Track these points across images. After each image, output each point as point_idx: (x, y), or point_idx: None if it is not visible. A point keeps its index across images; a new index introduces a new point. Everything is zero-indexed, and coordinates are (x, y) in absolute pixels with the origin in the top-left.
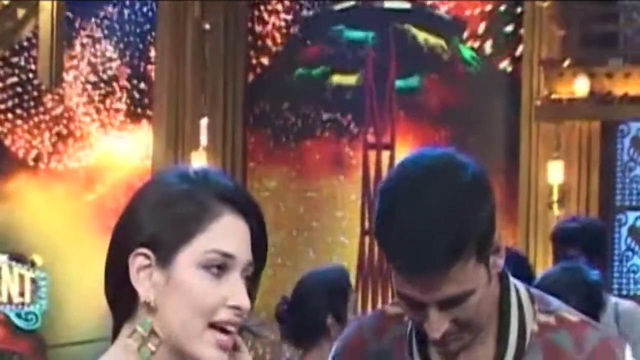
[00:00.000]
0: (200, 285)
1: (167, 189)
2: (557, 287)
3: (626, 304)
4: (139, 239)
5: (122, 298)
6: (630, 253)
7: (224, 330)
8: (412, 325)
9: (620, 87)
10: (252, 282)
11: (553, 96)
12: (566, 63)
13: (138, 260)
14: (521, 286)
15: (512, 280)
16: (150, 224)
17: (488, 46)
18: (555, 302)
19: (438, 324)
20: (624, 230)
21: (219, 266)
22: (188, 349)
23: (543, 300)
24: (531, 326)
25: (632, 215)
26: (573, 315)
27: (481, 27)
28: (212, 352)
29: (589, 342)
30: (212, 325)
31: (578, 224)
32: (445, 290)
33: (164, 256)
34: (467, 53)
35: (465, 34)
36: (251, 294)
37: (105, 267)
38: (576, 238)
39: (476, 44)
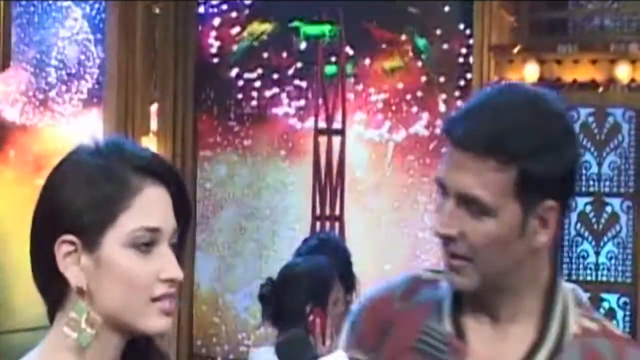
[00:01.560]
0: (131, 264)
1: (83, 168)
2: None
3: (568, 287)
4: (61, 225)
5: (52, 285)
6: (579, 239)
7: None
8: (446, 292)
9: (570, 74)
10: (178, 248)
11: (503, 82)
12: (516, 49)
13: (63, 248)
14: (570, 288)
15: (564, 280)
16: (71, 208)
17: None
18: (599, 314)
19: (446, 217)
20: (574, 216)
21: (147, 242)
22: (133, 325)
23: (589, 309)
24: (573, 326)
25: (581, 201)
26: (617, 330)
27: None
28: (159, 321)
29: (629, 356)
30: (153, 300)
31: None
32: (468, 180)
33: (90, 240)
34: (419, 41)
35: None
36: (180, 260)
37: (31, 256)
38: None
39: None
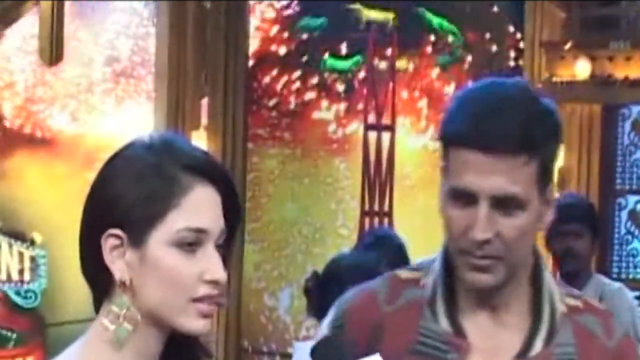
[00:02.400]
0: (175, 264)
1: (133, 164)
2: None
3: (615, 286)
4: (109, 219)
5: (99, 277)
6: (630, 237)
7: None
8: (433, 289)
9: (622, 70)
10: (225, 249)
11: (554, 79)
12: (567, 46)
13: (110, 241)
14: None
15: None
16: (119, 203)
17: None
18: (576, 290)
19: (486, 222)
20: (624, 214)
21: (192, 242)
22: (172, 323)
23: (566, 287)
24: (560, 306)
25: (632, 199)
26: (596, 303)
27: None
28: (198, 322)
29: (616, 331)
30: (194, 300)
31: (574, 200)
32: (500, 180)
33: (136, 236)
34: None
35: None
36: (225, 261)
37: (80, 247)
38: (577, 213)
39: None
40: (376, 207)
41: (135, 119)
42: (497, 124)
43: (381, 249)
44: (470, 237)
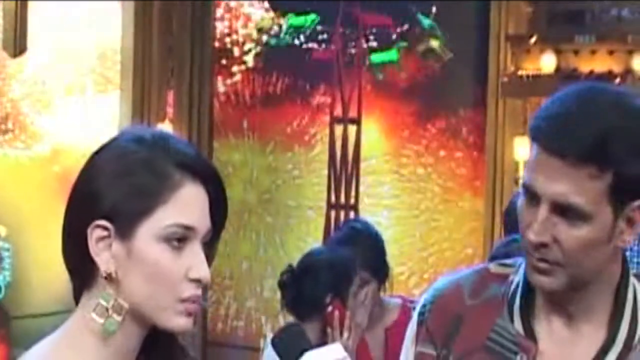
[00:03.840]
0: (162, 258)
1: (125, 156)
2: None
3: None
4: (97, 210)
5: (81, 267)
6: None
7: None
8: (515, 288)
9: (587, 64)
10: (209, 247)
11: (520, 72)
12: (533, 39)
13: (96, 232)
14: (637, 282)
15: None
16: (108, 194)
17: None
18: None
19: (540, 225)
20: None
21: (180, 238)
22: (155, 319)
23: None
24: None
25: None
26: None
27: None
28: (181, 319)
29: None
30: (181, 300)
31: None
32: (563, 187)
33: (124, 228)
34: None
35: (434, 11)
36: (209, 259)
37: (63, 236)
38: None
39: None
40: (342, 200)
41: (100, 110)
42: (570, 128)
43: (356, 243)
44: (526, 236)
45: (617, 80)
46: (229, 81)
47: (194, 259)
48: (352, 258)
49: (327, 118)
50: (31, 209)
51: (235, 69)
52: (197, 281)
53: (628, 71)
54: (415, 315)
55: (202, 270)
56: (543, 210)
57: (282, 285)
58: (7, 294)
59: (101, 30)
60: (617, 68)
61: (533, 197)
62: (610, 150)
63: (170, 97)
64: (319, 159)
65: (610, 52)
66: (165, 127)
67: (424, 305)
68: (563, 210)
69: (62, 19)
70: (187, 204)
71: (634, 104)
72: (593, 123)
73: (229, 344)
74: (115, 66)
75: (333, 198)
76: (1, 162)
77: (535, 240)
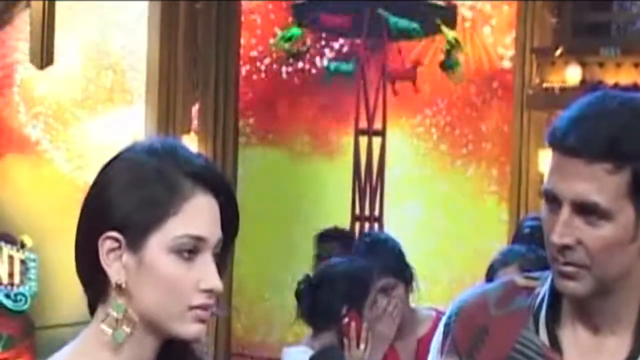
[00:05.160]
0: (173, 270)
1: (136, 167)
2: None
3: None
4: (108, 221)
5: (94, 280)
6: None
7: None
8: (542, 299)
9: (612, 77)
10: (221, 258)
11: (545, 85)
12: (558, 52)
13: (107, 244)
14: None
15: None
16: (119, 205)
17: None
18: None
19: (563, 226)
20: None
21: (190, 250)
22: (166, 328)
23: None
24: None
25: None
26: None
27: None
28: (193, 327)
29: None
30: (190, 308)
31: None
32: (582, 186)
33: (134, 240)
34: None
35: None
36: (220, 270)
37: (75, 249)
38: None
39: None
40: (367, 212)
41: (126, 123)
42: (584, 128)
43: (375, 255)
44: (550, 241)
45: None
46: (251, 93)
47: (205, 270)
48: (369, 269)
49: (351, 129)
50: (57, 220)
51: (258, 78)
52: (209, 291)
53: None
54: (441, 326)
55: (213, 281)
56: (565, 212)
57: (298, 295)
58: (32, 304)
59: (127, 44)
60: None
61: (554, 201)
62: (626, 147)
63: (195, 109)
64: (342, 169)
65: (636, 65)
66: (191, 139)
67: (449, 316)
68: (584, 211)
69: (89, 33)
70: (198, 214)
71: None
72: (605, 121)
73: (254, 355)
74: (141, 79)
75: (357, 210)
76: (28, 174)
77: (558, 242)
